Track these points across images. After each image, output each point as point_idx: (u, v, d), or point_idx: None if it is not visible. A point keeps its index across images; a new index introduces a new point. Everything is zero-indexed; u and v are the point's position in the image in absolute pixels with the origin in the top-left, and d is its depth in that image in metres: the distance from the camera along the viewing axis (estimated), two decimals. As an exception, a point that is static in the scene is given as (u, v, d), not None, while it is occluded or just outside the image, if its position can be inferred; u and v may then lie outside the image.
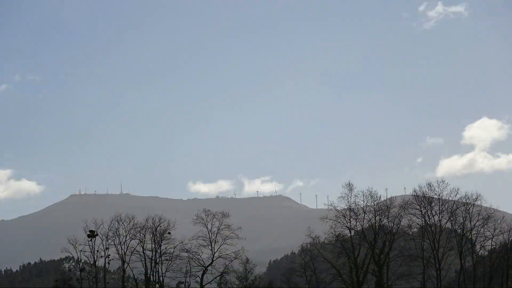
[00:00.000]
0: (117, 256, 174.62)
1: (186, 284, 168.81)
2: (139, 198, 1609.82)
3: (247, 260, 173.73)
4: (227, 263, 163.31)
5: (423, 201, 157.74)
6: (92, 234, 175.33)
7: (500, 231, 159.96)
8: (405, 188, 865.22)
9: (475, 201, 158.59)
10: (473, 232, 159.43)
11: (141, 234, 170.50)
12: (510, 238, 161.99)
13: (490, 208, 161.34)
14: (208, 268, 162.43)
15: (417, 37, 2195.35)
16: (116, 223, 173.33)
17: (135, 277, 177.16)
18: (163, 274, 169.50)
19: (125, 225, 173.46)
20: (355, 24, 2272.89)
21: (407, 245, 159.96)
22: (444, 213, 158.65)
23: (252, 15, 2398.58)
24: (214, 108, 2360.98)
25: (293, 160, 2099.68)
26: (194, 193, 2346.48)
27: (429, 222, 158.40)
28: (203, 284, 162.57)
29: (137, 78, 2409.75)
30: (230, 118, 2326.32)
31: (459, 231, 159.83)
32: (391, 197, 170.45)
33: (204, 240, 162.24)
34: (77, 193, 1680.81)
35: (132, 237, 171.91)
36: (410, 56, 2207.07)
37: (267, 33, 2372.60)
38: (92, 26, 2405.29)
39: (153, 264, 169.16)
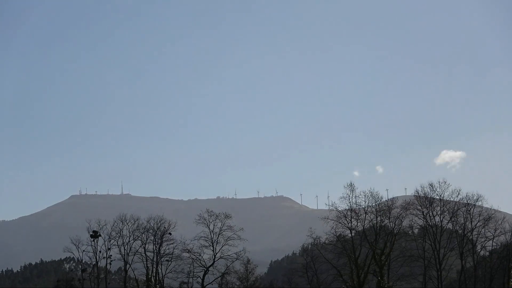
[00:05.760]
0: (118, 256, 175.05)
1: (189, 284, 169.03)
2: (139, 198, 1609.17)
3: (248, 260, 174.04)
4: (228, 264, 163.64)
5: (425, 201, 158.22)
6: (95, 235, 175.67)
7: (501, 231, 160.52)
8: (405, 188, 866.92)
9: (476, 202, 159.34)
10: (474, 232, 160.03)
11: (144, 235, 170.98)
12: (511, 239, 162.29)
13: (491, 209, 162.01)
14: (209, 268, 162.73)
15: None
16: (120, 223, 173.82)
17: (136, 278, 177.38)
18: (164, 275, 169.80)
19: (129, 226, 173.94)
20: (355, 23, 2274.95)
21: (408, 245, 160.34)
22: (445, 213, 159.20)
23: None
24: (214, 108, 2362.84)
25: (293, 160, 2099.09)
26: (195, 193, 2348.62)
27: (430, 223, 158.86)
28: (205, 285, 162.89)
29: (137, 77, 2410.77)
30: (230, 118, 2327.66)
31: (460, 231, 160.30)
32: (393, 198, 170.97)
33: (205, 240, 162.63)
34: (78, 194, 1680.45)
35: (136, 238, 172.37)
36: (412, 56, 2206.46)
37: (264, 34, 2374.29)
38: (92, 25, 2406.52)
39: (154, 265, 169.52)
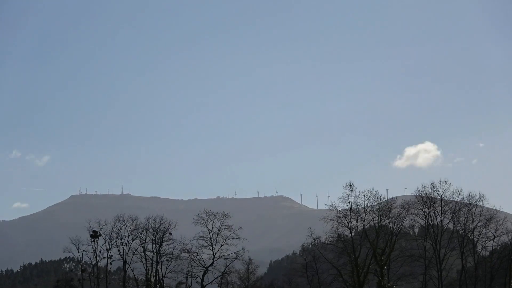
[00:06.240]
0: (118, 256, 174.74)
1: (187, 284, 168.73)
2: (139, 198, 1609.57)
3: (250, 260, 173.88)
4: (228, 264, 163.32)
5: (426, 201, 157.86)
6: (95, 235, 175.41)
7: (502, 231, 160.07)
8: (405, 188, 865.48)
9: (478, 201, 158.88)
10: (475, 232, 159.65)
11: (143, 235, 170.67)
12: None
13: (492, 209, 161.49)
14: (209, 268, 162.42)
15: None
16: (119, 223, 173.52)
17: (136, 277, 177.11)
18: (164, 275, 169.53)
19: (128, 225, 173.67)
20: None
21: (409, 245, 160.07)
22: (446, 213, 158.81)
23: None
24: (214, 108, 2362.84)
25: (293, 160, 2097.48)
26: (195, 193, 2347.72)
27: (431, 223, 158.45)
28: (204, 285, 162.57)
29: (137, 77, 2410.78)
30: (230, 118, 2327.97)
31: (461, 231, 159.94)
32: (392, 198, 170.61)
33: (204, 240, 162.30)
34: (78, 194, 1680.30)
35: (134, 237, 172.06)
36: (411, 54, 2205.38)
37: (264, 32, 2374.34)
38: (93, 25, 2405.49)
39: (154, 265, 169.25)
